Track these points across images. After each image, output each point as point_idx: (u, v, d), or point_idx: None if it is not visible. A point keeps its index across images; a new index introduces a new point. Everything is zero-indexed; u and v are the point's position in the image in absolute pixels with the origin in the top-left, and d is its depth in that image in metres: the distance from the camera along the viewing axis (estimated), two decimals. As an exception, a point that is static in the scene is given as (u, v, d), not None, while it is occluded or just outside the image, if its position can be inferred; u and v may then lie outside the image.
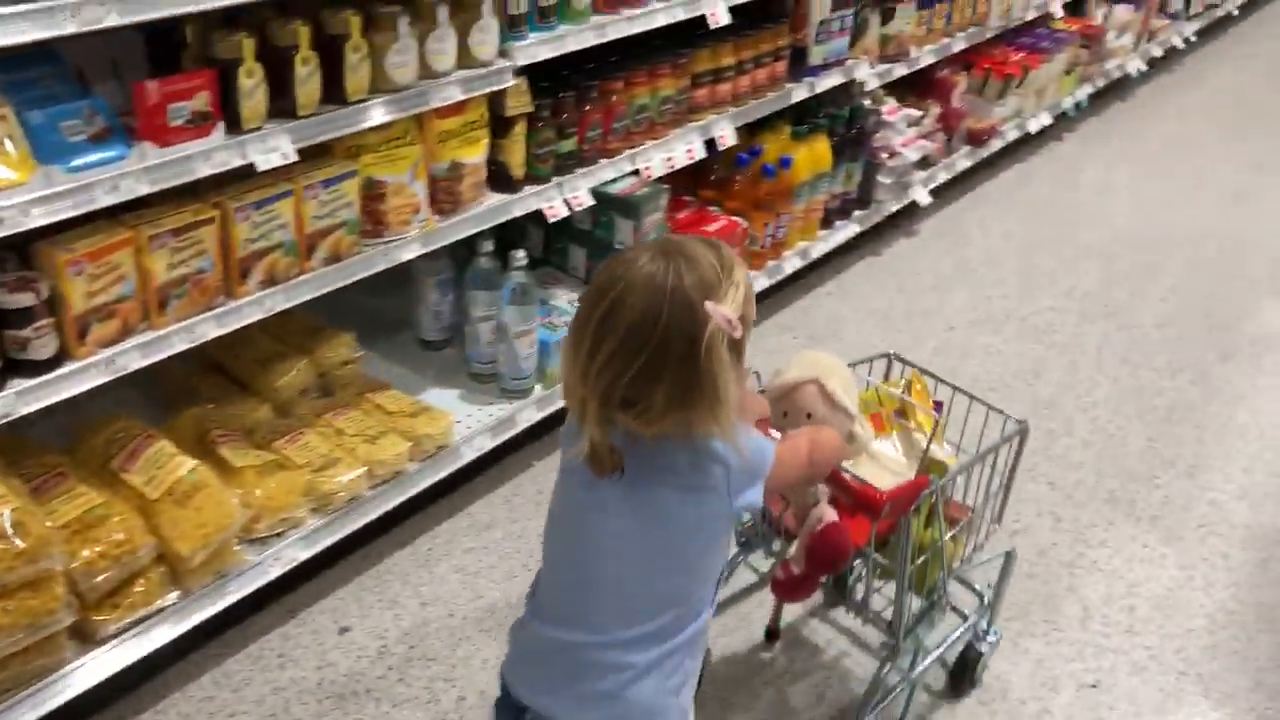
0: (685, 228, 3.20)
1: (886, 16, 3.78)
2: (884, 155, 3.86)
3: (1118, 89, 5.56)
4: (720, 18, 2.93)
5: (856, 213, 3.86)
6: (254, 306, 2.16)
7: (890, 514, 1.81)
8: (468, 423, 2.63)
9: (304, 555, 2.27)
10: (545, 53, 2.51)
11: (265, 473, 2.23)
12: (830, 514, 1.82)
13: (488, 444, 2.64)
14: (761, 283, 3.44)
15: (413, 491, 2.47)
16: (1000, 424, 2.04)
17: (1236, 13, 6.73)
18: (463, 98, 2.36)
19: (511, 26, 2.44)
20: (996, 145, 4.57)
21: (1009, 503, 2.12)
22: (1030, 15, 4.68)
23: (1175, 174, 4.90)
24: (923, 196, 4.12)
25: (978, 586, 2.27)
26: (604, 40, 2.67)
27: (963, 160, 4.38)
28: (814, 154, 3.49)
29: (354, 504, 2.35)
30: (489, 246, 2.62)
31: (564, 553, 1.53)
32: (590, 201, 2.78)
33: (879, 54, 3.81)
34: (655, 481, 1.41)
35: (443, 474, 2.54)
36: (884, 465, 1.99)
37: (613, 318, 1.32)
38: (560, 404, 2.82)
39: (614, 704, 1.45)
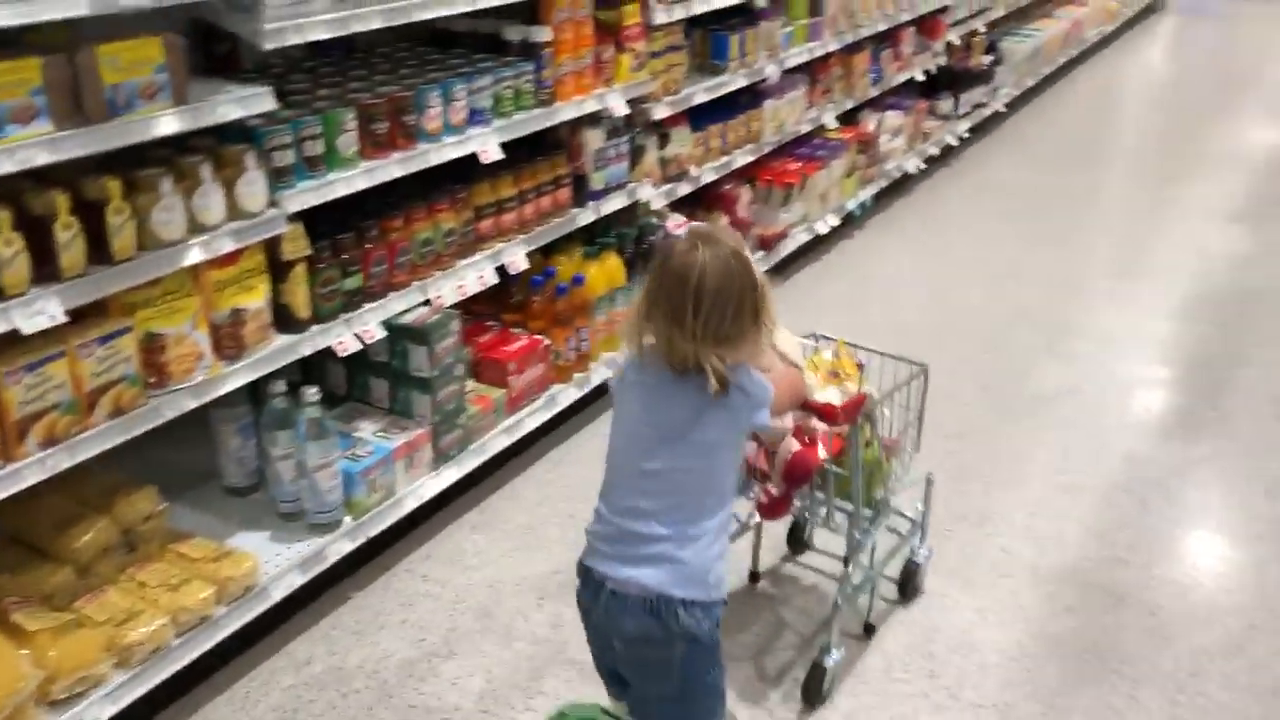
0: (488, 350, 3.35)
1: (663, 141, 4.07)
2: (677, 266, 4.10)
3: (899, 187, 6.02)
4: (492, 154, 3.13)
5: (659, 322, 4.06)
6: (35, 467, 2.18)
7: (845, 420, 2.42)
8: (276, 562, 2.66)
9: (109, 712, 2.25)
10: (315, 199, 2.65)
11: (61, 633, 2.22)
12: (795, 445, 2.42)
13: (298, 580, 2.67)
14: (570, 395, 3.59)
15: (221, 636, 2.48)
16: (908, 371, 2.65)
17: (1004, 109, 7.37)
18: (235, 247, 2.47)
19: (279, 177, 2.58)
20: (788, 248, 4.88)
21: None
22: (805, 128, 5.07)
23: (957, 257, 5.31)
24: (723, 300, 4.36)
25: (909, 514, 2.86)
26: (378, 182, 2.84)
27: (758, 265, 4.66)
28: (606, 271, 3.70)
29: (160, 655, 2.35)
30: (281, 387, 2.70)
31: (630, 459, 2.00)
32: (382, 334, 2.89)
33: (661, 175, 4.08)
34: (695, 402, 1.93)
35: (252, 615, 2.55)
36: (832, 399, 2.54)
37: (701, 289, 1.88)
38: (374, 534, 2.89)
39: (672, 564, 1.93)
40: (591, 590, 2.00)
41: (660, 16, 3.81)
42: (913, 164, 6.06)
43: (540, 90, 3.31)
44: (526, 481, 3.45)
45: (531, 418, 3.43)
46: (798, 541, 3.10)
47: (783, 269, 5.00)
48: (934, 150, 6.35)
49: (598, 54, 3.54)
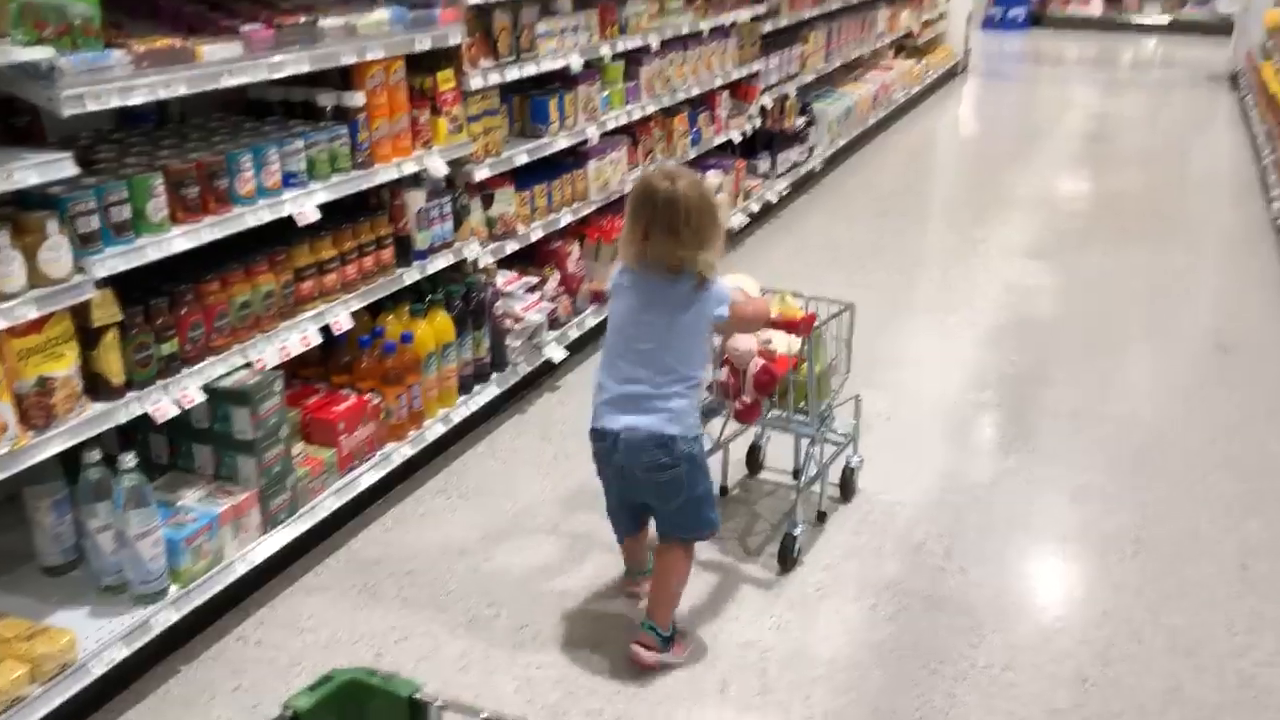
0: (315, 410, 3.34)
1: (487, 202, 4.17)
2: (509, 321, 4.19)
3: (726, 241, 6.26)
4: (309, 216, 3.16)
5: (494, 375, 4.13)
6: None
7: (804, 330, 3.14)
8: (98, 636, 2.58)
9: (-87, 806, 2.14)
10: (124, 265, 2.63)
11: None
12: (761, 362, 3.17)
13: (121, 654, 2.60)
14: (404, 452, 3.60)
15: (37, 716, 2.38)
16: (839, 308, 3.37)
17: (819, 168, 7.77)
18: (39, 315, 2.43)
19: (86, 242, 2.55)
20: (620, 301, 5.02)
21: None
22: (629, 187, 5.25)
23: (783, 303, 5.55)
24: (557, 354, 4.46)
25: (842, 431, 3.56)
26: (192, 246, 2.84)
27: (591, 318, 4.78)
28: (435, 327, 3.74)
29: (-31, 740, 2.25)
30: (96, 456, 2.65)
31: (626, 340, 2.75)
32: (202, 398, 2.87)
33: (487, 234, 4.17)
34: (677, 298, 2.72)
35: (71, 692, 2.46)
36: (780, 340, 3.27)
37: (689, 209, 2.68)
38: (201, 602, 2.83)
39: (664, 412, 2.70)
40: (610, 442, 2.75)
41: (476, 82, 3.93)
42: (736, 220, 6.31)
43: (357, 153, 3.37)
44: (363, 542, 3.43)
45: (364, 477, 3.42)
46: (755, 463, 3.85)
47: (616, 323, 5.13)
48: (756, 206, 6.63)
49: (414, 118, 3.62)
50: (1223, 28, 14.40)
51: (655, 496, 2.82)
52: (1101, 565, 3.35)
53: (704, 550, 3.27)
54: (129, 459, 2.62)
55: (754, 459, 3.86)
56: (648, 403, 2.71)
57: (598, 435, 2.79)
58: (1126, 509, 3.64)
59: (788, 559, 3.28)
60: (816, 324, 3.21)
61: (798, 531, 3.29)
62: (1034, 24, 17.25)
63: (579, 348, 4.67)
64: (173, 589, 2.75)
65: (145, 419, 2.74)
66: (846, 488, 3.67)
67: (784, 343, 3.26)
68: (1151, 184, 8.13)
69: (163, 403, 2.76)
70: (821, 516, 3.54)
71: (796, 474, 3.63)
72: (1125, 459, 3.97)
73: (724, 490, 3.69)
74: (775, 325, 3.16)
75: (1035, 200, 7.59)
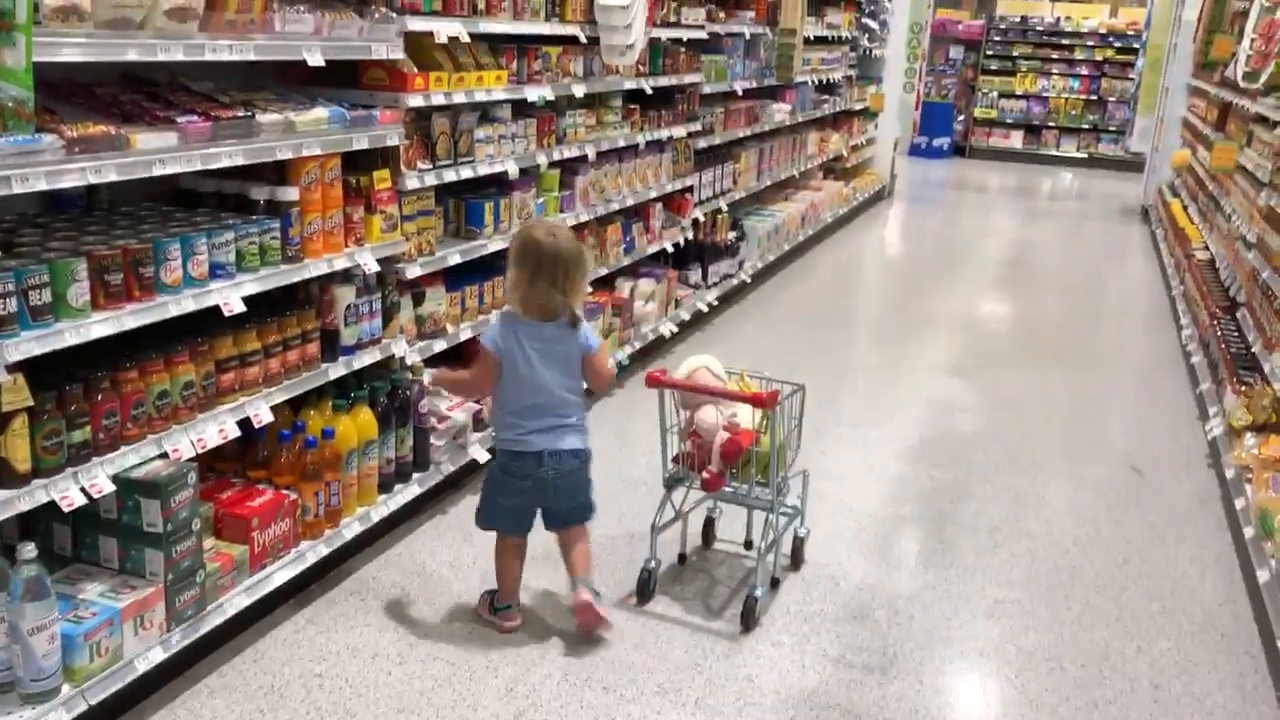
0: (229, 506, 3.26)
1: (418, 300, 4.18)
2: (433, 420, 4.16)
3: (655, 348, 6.33)
4: (235, 307, 3.14)
5: (416, 475, 4.08)
6: None
7: (769, 404, 3.41)
8: (-20, 737, 2.46)
9: None
10: (39, 349, 2.57)
11: None
12: (726, 435, 3.50)
13: (5, 756, 2.47)
14: (320, 551, 3.52)
15: (-93, 822, 2.24)
16: (791, 389, 3.67)
17: (749, 280, 7.93)
18: (-54, 395, 2.37)
19: (1, 325, 2.51)
20: (548, 404, 5.02)
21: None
22: (561, 291, 5.30)
23: (710, 412, 5.59)
24: (481, 454, 4.43)
25: (792, 501, 3.84)
26: (115, 332, 2.79)
27: (518, 420, 4.77)
28: (358, 424, 3.71)
29: None
30: (-6, 545, 2.55)
31: (529, 381, 3.28)
32: (111, 488, 2.79)
33: (415, 332, 4.17)
34: (563, 338, 3.30)
35: (-54, 796, 2.33)
36: (744, 415, 3.61)
37: (564, 257, 3.24)
38: (97, 701, 2.70)
39: (576, 432, 3.36)
40: (533, 461, 3.30)
41: (412, 182, 3.98)
42: (666, 328, 6.40)
43: (288, 247, 3.37)
44: (272, 643, 3.32)
45: (277, 575, 3.33)
46: (709, 535, 4.11)
47: (543, 426, 5.14)
48: (686, 315, 6.73)
49: (348, 214, 3.64)
50: (1135, 164, 15.16)
51: (567, 496, 3.39)
52: (1018, 682, 3.36)
53: (671, 608, 3.67)
54: (29, 549, 2.52)
55: (709, 531, 4.11)
56: (564, 427, 3.33)
57: (520, 457, 3.32)
58: (1043, 626, 3.68)
59: (750, 619, 3.52)
60: (780, 398, 3.51)
61: (759, 593, 3.55)
62: (957, 153, 18.00)
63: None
64: (65, 688, 2.63)
65: (50, 507, 2.66)
66: (796, 556, 3.97)
67: (747, 418, 3.57)
68: (1068, 309, 8.43)
69: (70, 491, 2.68)
70: (775, 583, 3.80)
71: (748, 545, 4.03)
72: (1041, 576, 4.03)
73: (681, 558, 3.97)
74: (742, 399, 3.50)
75: (957, 321, 7.82)
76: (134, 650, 2.83)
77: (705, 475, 3.54)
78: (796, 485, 3.88)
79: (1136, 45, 16.32)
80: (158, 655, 2.89)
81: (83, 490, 2.72)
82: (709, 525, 4.12)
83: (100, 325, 2.75)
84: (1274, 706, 3.31)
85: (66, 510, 2.68)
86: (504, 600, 3.50)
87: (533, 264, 3.21)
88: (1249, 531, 4.11)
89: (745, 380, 3.73)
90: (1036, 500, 4.71)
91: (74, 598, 2.78)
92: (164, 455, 2.97)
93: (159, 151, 2.84)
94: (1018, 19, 18.10)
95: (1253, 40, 6.59)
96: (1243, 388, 5.17)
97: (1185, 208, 9.91)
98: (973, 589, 3.90)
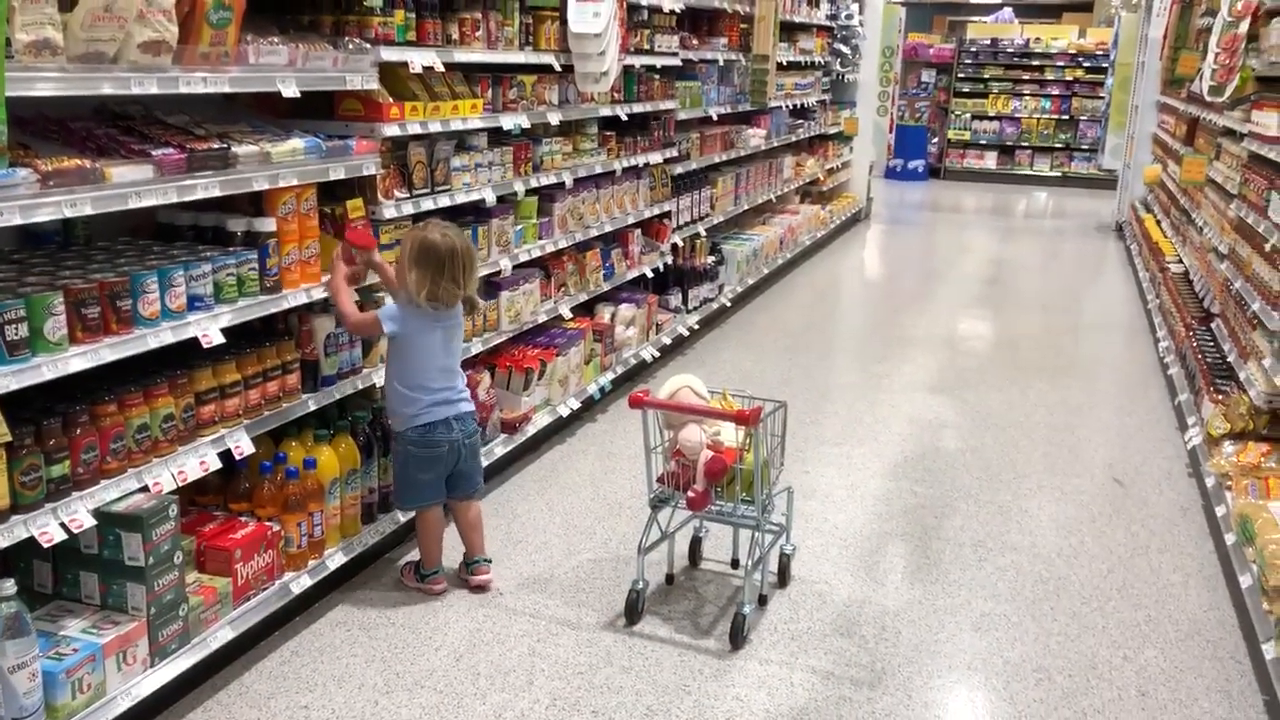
0: (211, 538, 3.24)
1: (396, 328, 4.18)
2: (416, 449, 4.15)
3: (637, 373, 6.34)
4: (214, 339, 3.13)
5: (399, 505, 4.06)
6: None
7: (752, 421, 3.42)
8: (-39, 777, 2.43)
9: None
10: (16, 384, 2.56)
11: None
12: (709, 454, 3.53)
13: (-14, 795, 2.44)
14: (304, 582, 3.50)
15: None
16: (774, 406, 3.70)
17: (729, 304, 7.97)
18: (-78, 432, 2.36)
19: (-23, 360, 2.50)
20: (531, 431, 5.02)
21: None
22: (542, 318, 5.32)
23: (693, 435, 5.60)
24: (465, 483, 4.42)
25: (778, 519, 3.84)
26: (93, 365, 2.78)
27: (500, 447, 4.77)
28: (340, 454, 3.70)
29: None
30: (-28, 582, 2.53)
31: (434, 359, 3.64)
32: (91, 522, 2.77)
33: (397, 361, 4.16)
34: (457, 320, 3.73)
35: (-73, 838, 2.29)
36: (728, 433, 3.64)
37: (459, 254, 3.58)
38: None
39: (465, 400, 3.75)
40: (443, 428, 3.65)
41: (389, 211, 3.99)
42: (648, 353, 6.41)
43: (266, 278, 3.38)
44: (257, 675, 3.30)
45: (261, 608, 3.31)
46: (696, 555, 4.12)
47: (532, 448, 5.13)
48: (667, 340, 6.75)
49: (324, 245, 3.65)
50: (1108, 181, 15.32)
51: (473, 456, 3.77)
52: (1006, 694, 3.36)
53: (660, 629, 3.69)
54: (8, 585, 2.50)
55: (695, 551, 4.13)
56: (458, 395, 3.72)
57: (432, 427, 3.63)
58: (1029, 638, 3.68)
59: (738, 637, 3.52)
60: (763, 415, 3.54)
61: (746, 610, 3.55)
62: (932, 175, 18.16)
63: (488, 477, 4.62)
64: (47, 726, 2.61)
65: (30, 543, 2.64)
66: (783, 573, 3.98)
67: (730, 436, 3.60)
68: (1047, 325, 8.49)
69: (49, 527, 2.67)
70: (762, 600, 3.81)
71: (735, 563, 4.07)
72: (1027, 588, 4.04)
73: (669, 579, 3.98)
74: (725, 416, 3.54)
75: (936, 339, 7.86)
76: (117, 686, 2.80)
77: (690, 494, 3.56)
78: (781, 503, 3.89)
79: (1105, 64, 16.49)
80: (140, 691, 2.87)
81: (62, 525, 2.70)
82: (696, 545, 4.13)
83: (78, 359, 2.74)
84: (1260, 711, 3.32)
85: (46, 546, 2.66)
86: (430, 566, 3.83)
87: (434, 263, 3.51)
88: (1230, 538, 4.13)
89: (727, 398, 3.76)
90: (1020, 514, 4.73)
91: (55, 634, 2.76)
92: (145, 489, 2.95)
93: (134, 184, 2.85)
94: (988, 41, 18.32)
95: (1217, 55, 6.68)
96: (1220, 397, 5.21)
97: (1158, 222, 10.03)
98: (959, 602, 3.91)
